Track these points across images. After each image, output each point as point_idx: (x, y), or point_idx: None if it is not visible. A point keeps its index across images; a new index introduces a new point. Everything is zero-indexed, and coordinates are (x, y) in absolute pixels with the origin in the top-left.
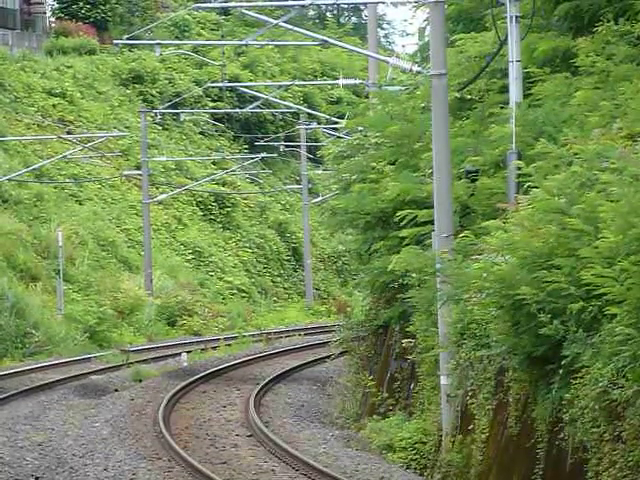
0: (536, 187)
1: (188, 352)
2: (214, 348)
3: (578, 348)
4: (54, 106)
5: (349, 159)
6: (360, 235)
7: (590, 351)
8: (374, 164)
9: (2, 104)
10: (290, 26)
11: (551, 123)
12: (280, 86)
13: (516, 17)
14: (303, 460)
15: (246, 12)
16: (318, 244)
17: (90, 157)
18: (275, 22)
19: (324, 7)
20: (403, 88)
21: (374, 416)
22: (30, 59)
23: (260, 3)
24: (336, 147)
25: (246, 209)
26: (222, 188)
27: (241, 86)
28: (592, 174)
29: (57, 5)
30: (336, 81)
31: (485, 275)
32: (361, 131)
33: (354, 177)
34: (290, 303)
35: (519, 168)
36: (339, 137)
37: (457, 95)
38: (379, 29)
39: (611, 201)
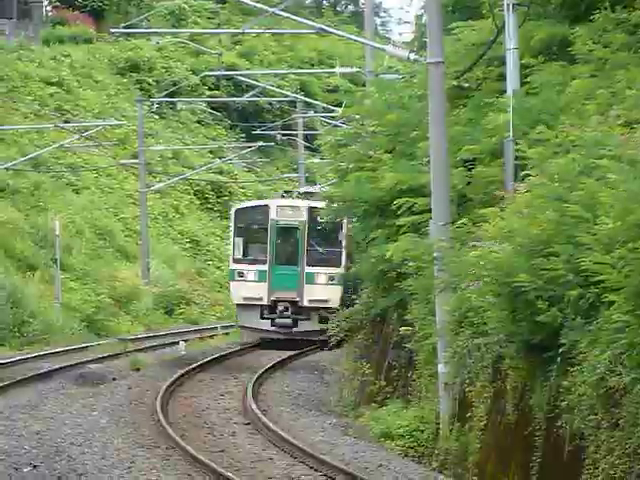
0: (530, 175)
1: (186, 341)
2: (212, 337)
3: (576, 335)
4: (51, 95)
5: (346, 148)
6: (358, 223)
7: (588, 338)
8: (371, 152)
9: None
10: (287, 14)
11: (548, 111)
12: (277, 74)
13: (513, 5)
14: (301, 448)
15: (242, 0)
16: None
17: (87, 146)
18: (272, 10)
19: None
20: (400, 76)
21: (372, 404)
22: (27, 48)
23: None
24: (332, 136)
25: (243, 198)
26: (219, 177)
27: (238, 75)
28: (590, 161)
29: None
30: (333, 69)
31: (483, 263)
32: (358, 120)
33: (351, 166)
34: None
35: (517, 150)
36: (336, 126)
37: (454, 83)
38: (376, 17)
39: (610, 188)
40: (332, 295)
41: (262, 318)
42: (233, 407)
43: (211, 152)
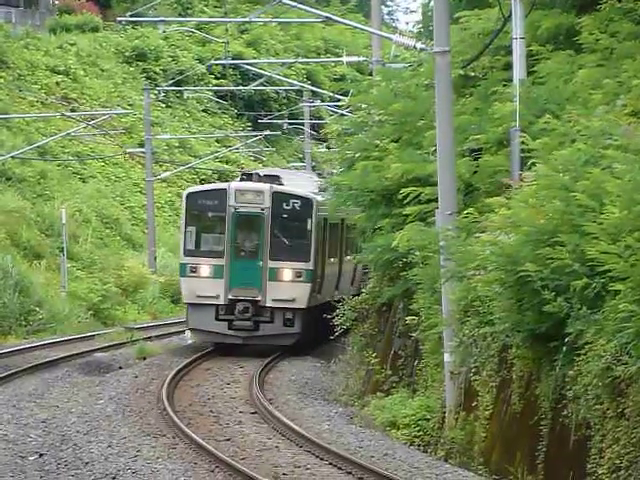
0: (536, 164)
1: (192, 330)
2: None
3: (582, 325)
4: (57, 84)
5: (352, 137)
6: (364, 212)
7: (594, 328)
8: (377, 142)
9: (5, 82)
10: (293, 3)
11: (554, 101)
12: (283, 63)
13: None
14: (307, 437)
15: None
16: None
17: (93, 135)
18: None
19: None
20: (407, 65)
21: (378, 393)
22: (33, 37)
23: None
24: (339, 125)
25: None
26: (225, 166)
27: (244, 64)
28: (596, 151)
29: None
30: (340, 58)
31: (489, 252)
32: (365, 108)
33: (358, 155)
34: None
35: (523, 142)
36: (342, 115)
37: (461, 72)
38: (383, 6)
39: (616, 178)
40: (299, 294)
41: (217, 320)
42: (239, 396)
43: (217, 141)
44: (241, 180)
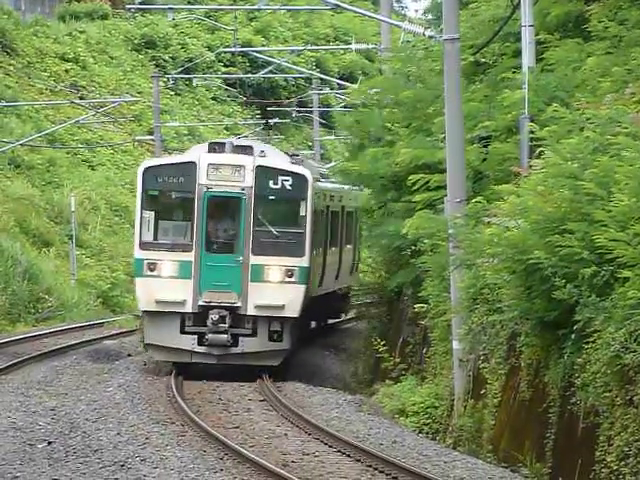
0: (545, 152)
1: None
2: None
3: (590, 312)
4: (67, 71)
5: (365, 115)
6: (374, 198)
7: (602, 315)
8: (388, 124)
9: (15, 69)
10: None
11: (563, 88)
12: (292, 51)
13: None
14: (315, 425)
15: None
16: None
17: (102, 122)
18: None
19: None
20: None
21: (386, 381)
22: (43, 24)
23: None
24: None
25: None
26: None
27: (253, 51)
28: (605, 139)
29: None
30: (349, 46)
31: (497, 240)
32: (372, 95)
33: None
34: None
35: (532, 132)
36: (353, 105)
37: (471, 59)
38: None
39: (626, 165)
40: (290, 299)
41: (184, 332)
42: (248, 384)
43: (226, 129)
44: (211, 151)
